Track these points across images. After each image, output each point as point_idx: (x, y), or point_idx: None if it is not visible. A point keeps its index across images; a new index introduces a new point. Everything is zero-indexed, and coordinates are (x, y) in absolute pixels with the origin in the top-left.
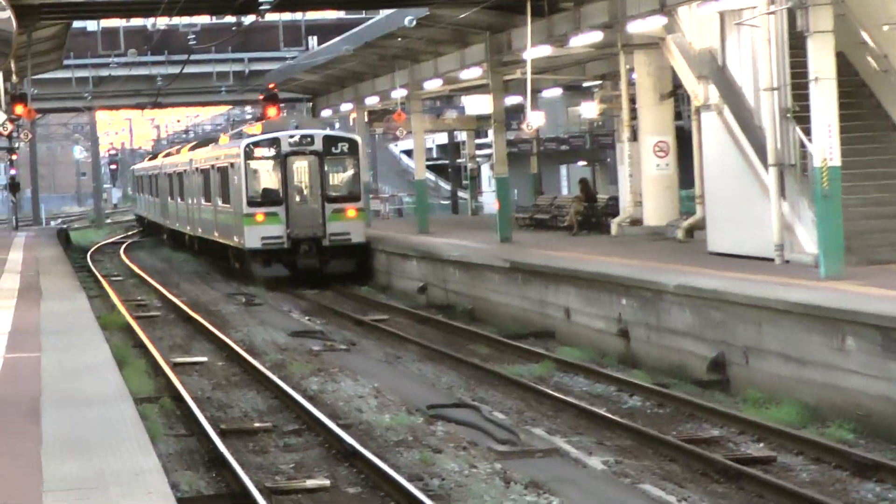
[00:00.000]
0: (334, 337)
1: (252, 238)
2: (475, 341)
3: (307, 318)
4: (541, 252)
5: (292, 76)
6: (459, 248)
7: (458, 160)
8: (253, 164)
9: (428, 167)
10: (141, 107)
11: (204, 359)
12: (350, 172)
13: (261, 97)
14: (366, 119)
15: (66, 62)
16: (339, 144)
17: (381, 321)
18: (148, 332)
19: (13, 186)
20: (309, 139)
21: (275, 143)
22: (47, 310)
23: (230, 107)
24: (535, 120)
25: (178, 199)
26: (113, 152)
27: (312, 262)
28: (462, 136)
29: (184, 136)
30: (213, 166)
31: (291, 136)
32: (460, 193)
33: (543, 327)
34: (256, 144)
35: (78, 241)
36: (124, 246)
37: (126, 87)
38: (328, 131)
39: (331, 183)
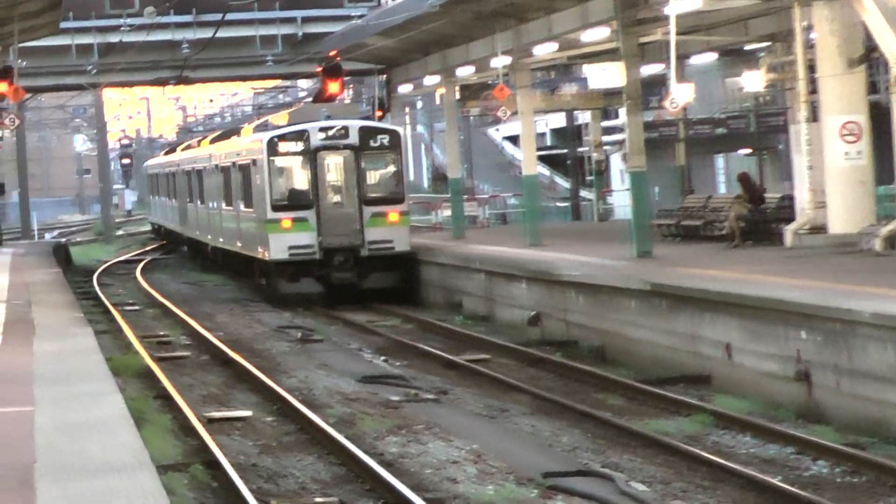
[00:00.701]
0: (419, 383)
1: (278, 248)
2: (605, 388)
3: (382, 358)
4: (691, 270)
5: (360, 41)
6: (583, 265)
7: (580, 149)
8: (278, 160)
9: (540, 159)
10: (161, 83)
11: (248, 413)
12: (391, 169)
13: (319, 69)
14: (457, 96)
15: (63, 25)
16: (379, 137)
17: (481, 362)
18: (174, 378)
19: None
20: (343, 131)
21: (303, 135)
22: (42, 350)
23: (278, 82)
24: (681, 95)
25: (199, 203)
26: (126, 143)
27: (348, 275)
28: (584, 117)
29: (217, 121)
30: (233, 163)
31: (322, 128)
32: (582, 193)
33: (696, 370)
34: (281, 138)
35: (81, 260)
36: (141, 265)
37: (142, 57)
38: (365, 122)
39: (369, 182)
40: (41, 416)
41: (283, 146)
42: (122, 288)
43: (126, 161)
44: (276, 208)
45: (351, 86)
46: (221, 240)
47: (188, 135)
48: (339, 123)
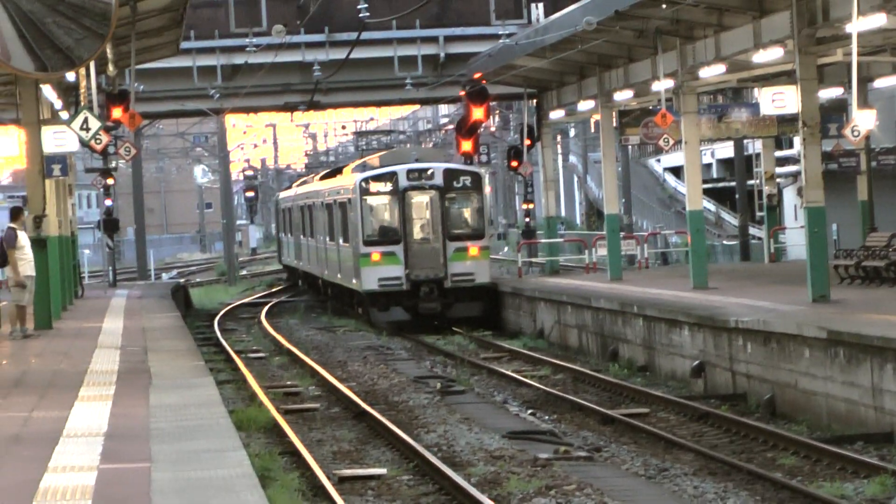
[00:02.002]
0: (570, 439)
1: (369, 279)
2: (776, 446)
3: (530, 411)
4: (872, 316)
5: (508, 62)
6: (752, 310)
7: (750, 182)
8: (369, 199)
9: (706, 193)
10: (290, 108)
11: (382, 471)
12: (473, 208)
13: (463, 93)
14: (614, 123)
15: (184, 45)
16: (462, 178)
17: (639, 416)
18: (302, 433)
19: (109, 224)
20: (428, 173)
21: (392, 177)
22: (159, 402)
23: (418, 107)
24: (863, 122)
25: (310, 238)
26: (250, 174)
27: (434, 305)
28: (755, 146)
29: (351, 150)
30: (335, 201)
31: (410, 170)
32: (753, 231)
33: (877, 426)
34: (373, 179)
35: (202, 303)
36: (267, 308)
37: (269, 80)
38: (449, 164)
39: (453, 220)
40: (158, 474)
41: (373, 186)
42: (247, 333)
43: (250, 194)
44: (367, 243)
45: (497, 111)
46: (326, 272)
47: (316, 166)
48: (425, 166)
